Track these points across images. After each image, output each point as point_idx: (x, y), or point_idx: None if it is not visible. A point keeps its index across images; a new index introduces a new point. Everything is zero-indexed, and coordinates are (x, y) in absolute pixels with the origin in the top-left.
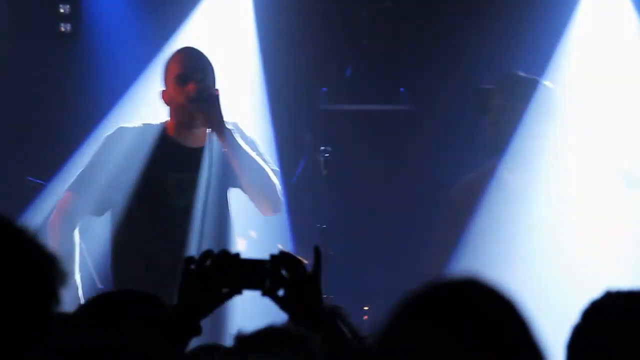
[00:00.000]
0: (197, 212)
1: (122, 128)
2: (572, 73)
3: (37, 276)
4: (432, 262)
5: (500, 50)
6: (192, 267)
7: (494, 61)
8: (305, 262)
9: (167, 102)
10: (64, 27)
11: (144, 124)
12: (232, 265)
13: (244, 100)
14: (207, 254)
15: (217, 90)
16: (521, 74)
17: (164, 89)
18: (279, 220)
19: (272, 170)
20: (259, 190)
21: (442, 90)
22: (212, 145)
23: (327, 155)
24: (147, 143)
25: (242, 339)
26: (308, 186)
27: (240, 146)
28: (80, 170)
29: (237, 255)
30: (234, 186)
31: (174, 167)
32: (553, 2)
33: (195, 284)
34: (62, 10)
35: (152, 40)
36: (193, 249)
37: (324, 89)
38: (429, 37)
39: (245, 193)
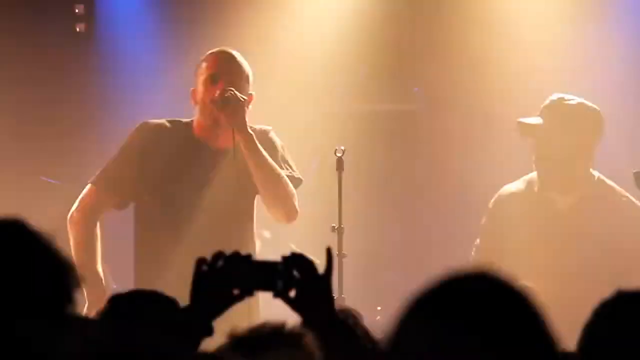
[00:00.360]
0: (214, 213)
1: (147, 123)
2: (590, 79)
3: (52, 281)
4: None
5: (517, 50)
6: (204, 268)
7: (510, 61)
8: (318, 262)
9: (196, 101)
10: (79, 27)
11: (171, 120)
12: (244, 266)
13: (257, 99)
14: (218, 255)
15: (250, 94)
16: (567, 100)
17: (195, 88)
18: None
19: (295, 178)
20: (272, 196)
21: (456, 90)
22: (239, 148)
23: (341, 154)
24: (172, 140)
25: (236, 338)
26: (321, 186)
27: (259, 151)
28: (105, 165)
29: (248, 256)
30: (258, 192)
31: (195, 167)
32: (570, 5)
33: (206, 285)
34: (76, 11)
35: (166, 40)
36: (205, 250)
37: (339, 89)
38: (443, 37)
39: (261, 199)
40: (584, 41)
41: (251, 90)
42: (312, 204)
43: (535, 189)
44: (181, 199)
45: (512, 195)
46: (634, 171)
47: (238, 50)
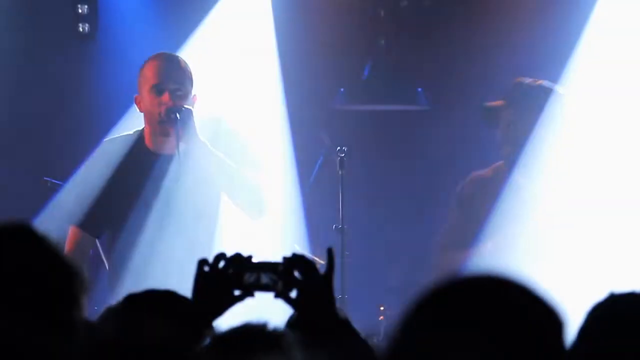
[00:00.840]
0: (181, 219)
1: (108, 141)
2: (591, 74)
3: (60, 284)
4: (439, 252)
5: (518, 50)
6: (206, 269)
7: (511, 62)
8: (321, 262)
9: (142, 110)
10: (82, 27)
11: (123, 135)
12: (245, 267)
13: (261, 100)
14: (220, 256)
15: (194, 96)
16: (527, 81)
17: (139, 95)
18: (296, 221)
19: (255, 167)
20: (237, 194)
21: (458, 90)
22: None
23: (344, 155)
24: (125, 155)
25: (218, 337)
26: (324, 186)
27: (214, 155)
28: (74, 196)
29: (250, 257)
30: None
31: (152, 176)
32: (571, 4)
33: (208, 286)
34: (80, 11)
35: (169, 39)
36: (179, 256)
37: (342, 89)
38: (446, 37)
39: (229, 199)
40: (588, 39)
41: (194, 89)
42: (315, 204)
43: (500, 173)
44: (141, 210)
45: (479, 179)
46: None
47: (241, 51)
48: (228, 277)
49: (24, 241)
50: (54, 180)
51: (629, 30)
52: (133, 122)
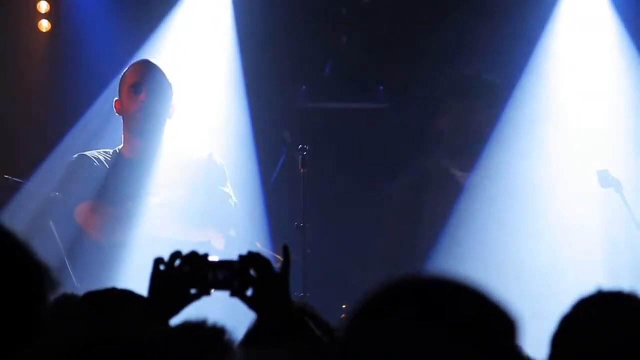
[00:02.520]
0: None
1: (82, 155)
2: (549, 73)
3: (29, 282)
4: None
5: (479, 49)
6: (162, 267)
7: (472, 61)
8: (282, 259)
9: (119, 111)
10: (44, 25)
11: (102, 151)
12: (201, 265)
13: (222, 98)
14: (176, 254)
15: (172, 105)
16: (485, 77)
17: (118, 99)
18: (258, 219)
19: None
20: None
21: (420, 88)
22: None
23: (305, 153)
24: (106, 171)
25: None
26: (286, 184)
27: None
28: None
29: (205, 256)
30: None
31: (131, 182)
32: (533, 2)
33: (163, 285)
34: (41, 8)
35: (130, 38)
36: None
37: (303, 87)
38: (408, 35)
39: None
40: (548, 38)
41: (174, 100)
42: (277, 202)
43: (442, 171)
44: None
45: (416, 182)
46: (598, 171)
47: (208, 46)
48: (184, 275)
49: None
50: (15, 179)
51: (591, 28)
52: (93, 122)
